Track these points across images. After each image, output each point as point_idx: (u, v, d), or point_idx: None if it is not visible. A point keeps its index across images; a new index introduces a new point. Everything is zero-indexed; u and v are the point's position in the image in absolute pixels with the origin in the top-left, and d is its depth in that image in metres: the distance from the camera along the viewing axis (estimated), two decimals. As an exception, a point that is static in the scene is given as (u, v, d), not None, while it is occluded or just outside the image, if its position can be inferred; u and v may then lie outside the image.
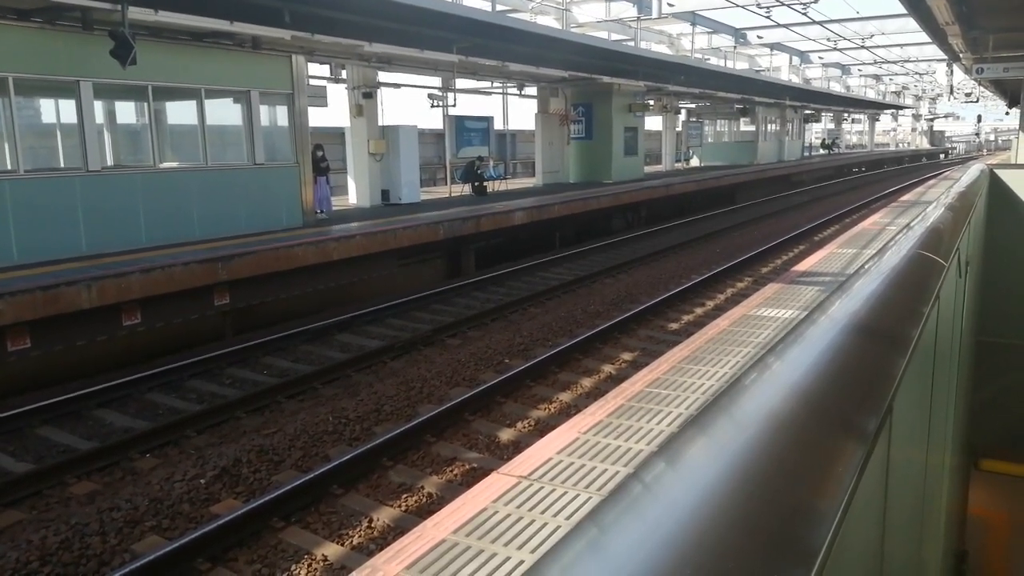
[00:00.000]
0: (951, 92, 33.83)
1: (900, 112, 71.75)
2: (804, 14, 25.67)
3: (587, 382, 8.34)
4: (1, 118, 10.05)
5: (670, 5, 26.75)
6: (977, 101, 37.20)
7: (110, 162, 11.75)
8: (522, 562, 2.70)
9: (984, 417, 7.88)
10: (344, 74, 17.24)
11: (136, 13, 10.18)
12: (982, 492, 8.03)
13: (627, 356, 9.23)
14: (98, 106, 11.24)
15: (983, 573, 7.52)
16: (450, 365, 8.93)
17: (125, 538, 5.29)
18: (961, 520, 7.04)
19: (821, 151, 54.04)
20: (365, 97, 17.31)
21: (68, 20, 10.15)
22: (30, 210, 10.04)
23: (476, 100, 29.62)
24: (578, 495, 3.14)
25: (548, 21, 27.21)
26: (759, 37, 37.58)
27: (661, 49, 34.60)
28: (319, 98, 15.58)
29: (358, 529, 5.40)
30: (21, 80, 10.01)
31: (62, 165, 11.07)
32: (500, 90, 23.95)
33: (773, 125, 40.36)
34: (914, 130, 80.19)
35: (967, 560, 6.63)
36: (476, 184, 20.84)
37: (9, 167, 9.99)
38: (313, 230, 13.02)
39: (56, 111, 11.62)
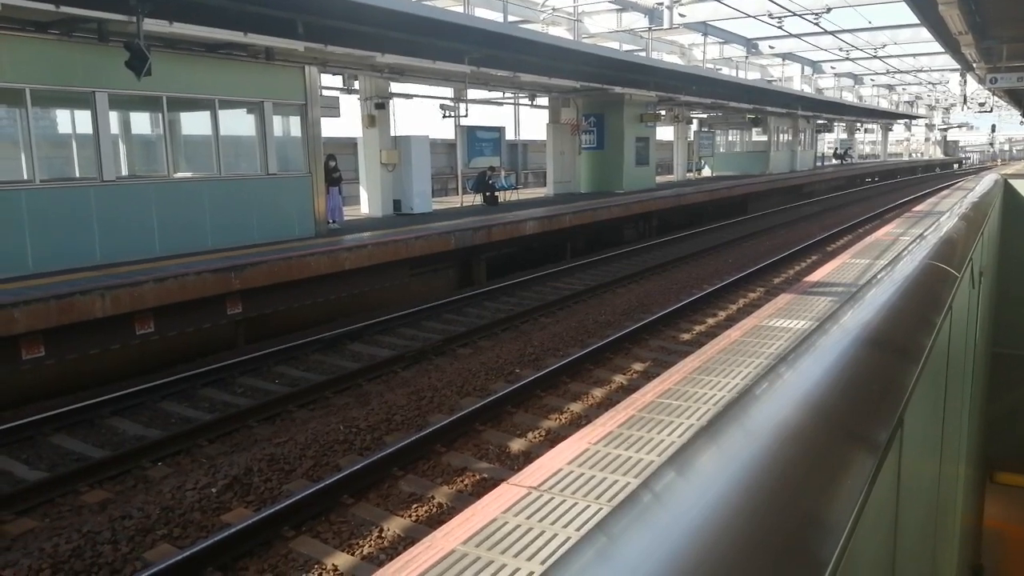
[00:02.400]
0: (965, 102, 33.71)
1: (913, 122, 71.44)
2: (816, 24, 25.66)
3: (598, 392, 8.32)
4: (18, 128, 10.17)
5: (681, 16, 26.78)
6: (991, 111, 37.07)
7: (124, 172, 11.85)
8: (532, 573, 2.69)
9: (1000, 429, 7.80)
10: (357, 85, 17.35)
11: (151, 25, 10.28)
12: (998, 505, 7.94)
13: (638, 366, 9.21)
14: (113, 117, 11.35)
15: (999, 588, 7.43)
16: (461, 375, 8.93)
17: (136, 546, 5.30)
18: (977, 534, 6.96)
19: (834, 161, 53.87)
20: (377, 108, 17.40)
21: (84, 32, 10.26)
22: (45, 219, 10.13)
23: (488, 110, 29.66)
24: (588, 506, 3.13)
25: (560, 32, 27.29)
26: (771, 47, 37.57)
27: (672, 60, 34.63)
28: (332, 109, 15.67)
29: (368, 539, 5.39)
30: (38, 91, 10.12)
31: (77, 175, 11.17)
32: (512, 100, 24.03)
33: (785, 135, 40.26)
34: (928, 140, 79.82)
35: (983, 575, 6.55)
36: (487, 194, 20.88)
37: (25, 177, 10.09)
38: (325, 240, 13.08)
39: (72, 122, 11.74)
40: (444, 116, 19.36)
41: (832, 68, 45.97)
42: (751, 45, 37.82)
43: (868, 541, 1.27)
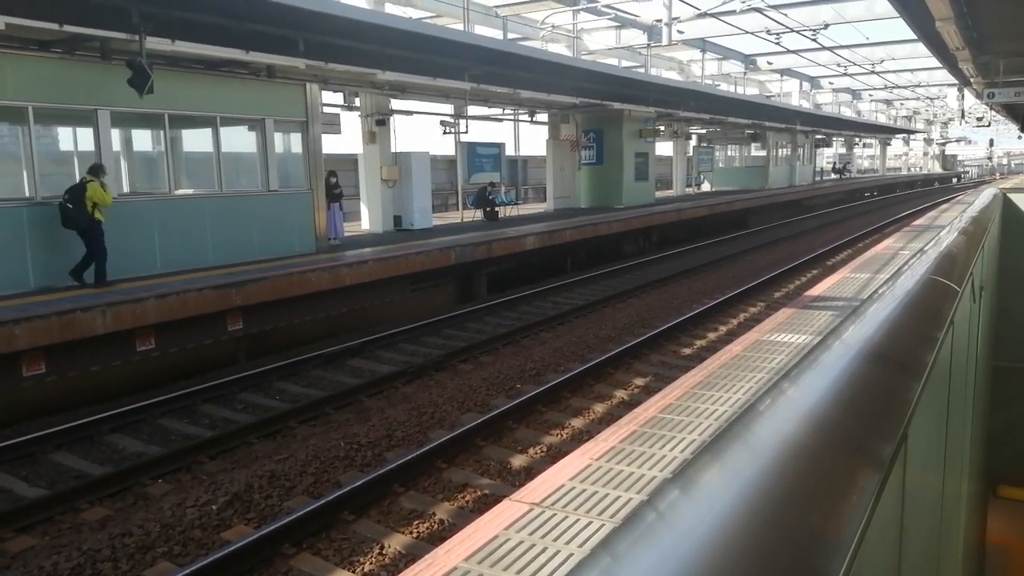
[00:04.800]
0: (962, 116, 33.78)
1: (911, 137, 71.71)
2: (814, 40, 25.80)
3: (599, 408, 8.30)
4: (20, 146, 10.21)
5: (680, 32, 26.90)
6: (989, 125, 37.16)
7: (126, 189, 11.88)
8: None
9: (1002, 443, 7.77)
10: (357, 102, 17.43)
11: (153, 43, 10.34)
12: (1001, 519, 7.90)
13: (640, 381, 9.19)
14: (115, 134, 11.40)
15: (1004, 603, 7.37)
16: (462, 390, 8.92)
17: (136, 564, 5.28)
18: (980, 548, 6.93)
19: (832, 175, 54.01)
20: (378, 124, 17.47)
21: (87, 50, 10.33)
22: (47, 236, 10.15)
23: (488, 127, 29.82)
24: (591, 523, 3.11)
25: (559, 49, 27.45)
26: (769, 63, 37.75)
27: (671, 75, 34.80)
28: (332, 125, 15.74)
29: (369, 556, 5.36)
30: (40, 109, 10.17)
31: (79, 192, 11.17)
32: (511, 117, 24.12)
33: (784, 150, 40.39)
34: (926, 154, 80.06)
35: (987, 590, 6.51)
36: (488, 209, 20.93)
37: (27, 194, 10.12)
38: (326, 256, 13.10)
39: (74, 139, 11.79)
40: (444, 132, 19.43)
41: (830, 83, 46.19)
42: (749, 61, 38.01)
43: (873, 557, 1.26)
